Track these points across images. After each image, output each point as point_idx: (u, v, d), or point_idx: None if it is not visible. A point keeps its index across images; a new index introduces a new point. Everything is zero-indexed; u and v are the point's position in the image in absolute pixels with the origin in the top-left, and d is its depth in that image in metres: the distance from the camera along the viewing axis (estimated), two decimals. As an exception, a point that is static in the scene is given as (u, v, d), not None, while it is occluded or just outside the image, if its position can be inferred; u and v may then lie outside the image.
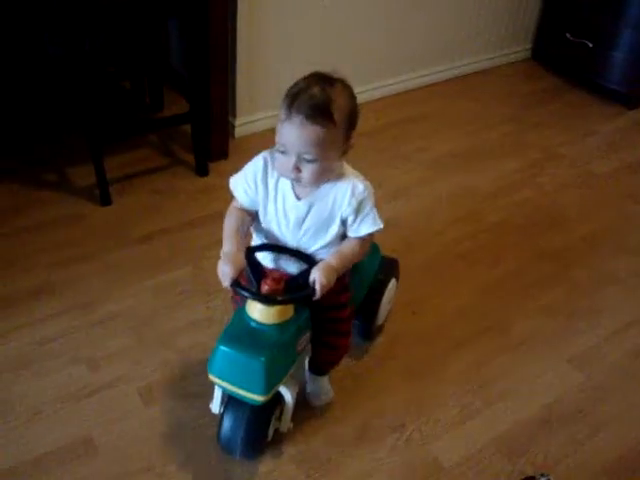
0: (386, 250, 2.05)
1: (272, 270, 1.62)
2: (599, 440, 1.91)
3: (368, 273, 1.95)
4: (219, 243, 1.59)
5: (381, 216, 1.59)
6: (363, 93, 3.04)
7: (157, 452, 1.79)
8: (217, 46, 2.58)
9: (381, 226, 1.59)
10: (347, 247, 1.60)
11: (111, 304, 2.19)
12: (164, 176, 2.79)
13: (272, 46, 2.93)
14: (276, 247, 1.64)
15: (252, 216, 1.63)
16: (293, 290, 1.54)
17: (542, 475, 1.68)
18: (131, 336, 2.08)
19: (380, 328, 2.12)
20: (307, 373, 1.90)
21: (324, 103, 1.41)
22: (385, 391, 2.00)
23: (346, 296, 1.73)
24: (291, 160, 1.44)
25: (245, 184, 1.58)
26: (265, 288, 1.52)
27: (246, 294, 1.52)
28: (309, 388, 1.90)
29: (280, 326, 1.56)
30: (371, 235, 1.62)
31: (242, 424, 1.63)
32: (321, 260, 1.56)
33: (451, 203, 2.79)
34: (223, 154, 2.88)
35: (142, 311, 2.16)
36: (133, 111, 3.19)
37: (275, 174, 1.55)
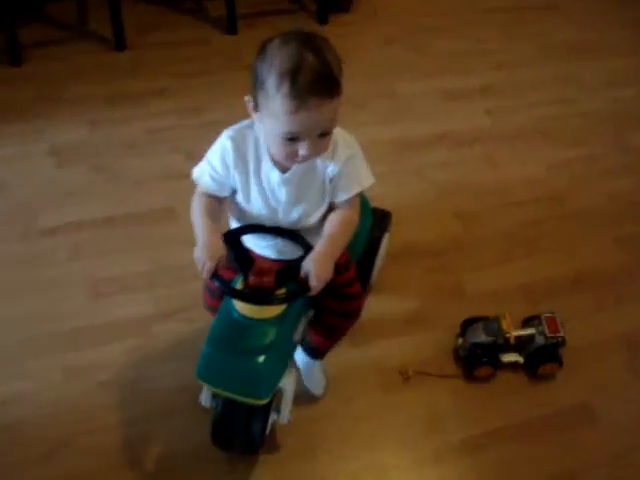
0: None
1: (261, 258, 1.42)
2: (623, 310, 2.04)
3: (362, 230, 1.70)
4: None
5: (372, 171, 1.42)
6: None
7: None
8: None
9: (372, 180, 1.40)
10: (336, 222, 1.38)
11: (216, 113, 2.51)
12: (287, 19, 3.04)
13: None
14: (261, 227, 1.41)
15: (221, 200, 1.41)
16: (286, 281, 1.33)
17: (550, 313, 1.85)
18: (227, 140, 2.39)
19: (370, 287, 1.97)
20: (299, 359, 1.73)
21: (330, 71, 1.19)
22: (435, 226, 2.22)
23: (350, 273, 1.57)
24: (304, 144, 1.23)
25: (211, 169, 1.38)
26: (252, 280, 1.32)
27: (227, 290, 1.31)
28: (305, 379, 1.74)
29: (275, 319, 1.37)
30: (357, 196, 1.41)
31: (239, 421, 1.48)
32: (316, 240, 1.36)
33: (551, 85, 2.87)
34: (345, 7, 3.07)
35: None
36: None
37: (252, 153, 1.35)
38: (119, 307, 1.91)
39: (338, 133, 1.34)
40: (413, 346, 1.88)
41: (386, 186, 2.25)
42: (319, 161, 1.34)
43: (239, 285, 1.36)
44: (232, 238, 1.38)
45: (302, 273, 1.29)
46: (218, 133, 1.48)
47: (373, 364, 1.84)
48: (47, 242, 2.06)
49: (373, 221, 1.82)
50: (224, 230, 1.39)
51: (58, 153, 2.34)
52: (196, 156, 2.28)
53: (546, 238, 2.22)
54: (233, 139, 1.35)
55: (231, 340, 1.36)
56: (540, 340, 1.80)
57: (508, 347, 1.81)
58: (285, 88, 1.16)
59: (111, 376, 1.76)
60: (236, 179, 1.37)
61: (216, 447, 1.56)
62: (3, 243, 2.06)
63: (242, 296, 1.33)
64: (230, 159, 1.35)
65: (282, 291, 1.33)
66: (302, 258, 1.32)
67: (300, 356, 1.71)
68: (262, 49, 1.22)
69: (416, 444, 1.69)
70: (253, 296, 1.32)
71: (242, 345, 1.35)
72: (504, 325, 1.80)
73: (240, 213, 1.44)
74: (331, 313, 1.59)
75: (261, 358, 1.34)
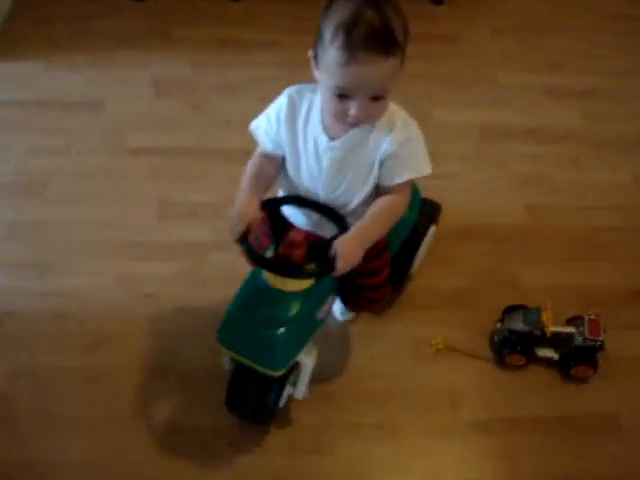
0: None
1: (295, 231, 1.35)
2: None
3: (407, 220, 1.66)
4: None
5: (430, 160, 1.36)
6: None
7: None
8: None
9: (429, 169, 1.35)
10: (382, 205, 1.34)
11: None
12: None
13: None
14: (301, 200, 1.39)
15: (276, 163, 1.42)
16: (316, 257, 1.32)
17: (594, 315, 1.80)
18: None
19: (410, 277, 1.95)
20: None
21: (387, 29, 1.15)
22: (503, 214, 2.20)
23: (382, 261, 1.56)
24: (355, 104, 1.21)
25: (267, 124, 1.39)
26: (280, 251, 1.32)
27: (250, 257, 1.31)
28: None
29: (300, 294, 1.36)
30: (410, 183, 1.37)
31: (253, 389, 1.48)
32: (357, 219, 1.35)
33: None
34: (464, -9, 3.06)
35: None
36: None
37: (303, 113, 1.34)
38: (181, 230, 2.03)
39: (398, 114, 1.33)
40: (452, 322, 1.89)
41: (463, 168, 2.29)
42: (373, 135, 1.31)
43: (269, 254, 1.38)
44: (270, 206, 1.38)
45: (331, 252, 1.27)
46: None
47: (408, 330, 1.86)
48: (130, 161, 2.21)
49: (420, 211, 1.77)
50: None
51: (158, 85, 2.49)
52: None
53: (614, 247, 2.17)
54: (290, 96, 1.36)
55: (254, 308, 1.37)
56: (578, 340, 1.77)
57: (544, 341, 1.79)
58: (339, 40, 1.15)
59: (159, 290, 1.88)
60: (285, 136, 1.37)
61: (228, 411, 1.58)
62: (92, 155, 2.23)
63: (265, 264, 1.33)
64: (283, 115, 1.35)
65: (308, 266, 1.32)
66: (337, 237, 1.30)
67: None
68: (327, 6, 1.22)
69: (430, 414, 1.71)
70: (275, 266, 1.32)
71: (264, 314, 1.36)
72: (544, 317, 1.78)
73: (287, 183, 1.43)
74: (352, 297, 1.64)
75: (280, 330, 1.35)
